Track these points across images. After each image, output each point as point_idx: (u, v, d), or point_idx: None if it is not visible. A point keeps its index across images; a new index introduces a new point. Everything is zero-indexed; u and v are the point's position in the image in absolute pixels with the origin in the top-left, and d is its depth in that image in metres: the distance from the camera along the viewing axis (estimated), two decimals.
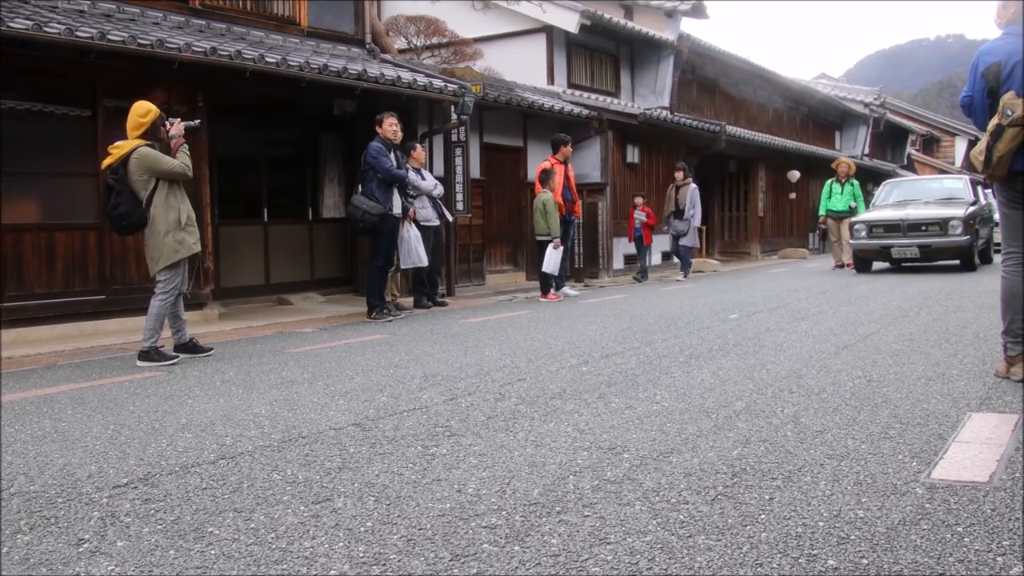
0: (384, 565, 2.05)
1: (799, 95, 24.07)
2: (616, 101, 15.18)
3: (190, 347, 5.79)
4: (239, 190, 10.54)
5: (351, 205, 7.94)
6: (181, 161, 5.63)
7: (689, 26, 17.36)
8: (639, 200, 13.07)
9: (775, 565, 1.97)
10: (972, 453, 2.81)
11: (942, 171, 30.75)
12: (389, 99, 9.27)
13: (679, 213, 12.84)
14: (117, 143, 5.64)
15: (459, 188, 10.79)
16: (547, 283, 9.92)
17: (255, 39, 9.33)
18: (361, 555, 2.11)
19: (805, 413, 3.46)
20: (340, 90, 9.23)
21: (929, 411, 3.42)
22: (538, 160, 11.58)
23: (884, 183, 15.25)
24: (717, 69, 19.35)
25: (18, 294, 6.96)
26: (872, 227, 12.04)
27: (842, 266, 13.75)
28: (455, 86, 10.15)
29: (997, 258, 4.42)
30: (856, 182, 14.20)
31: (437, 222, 9.15)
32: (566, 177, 10.28)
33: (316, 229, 11.04)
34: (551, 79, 14.44)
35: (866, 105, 27.94)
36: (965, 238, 11.41)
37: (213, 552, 2.17)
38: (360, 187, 7.93)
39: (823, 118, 26.77)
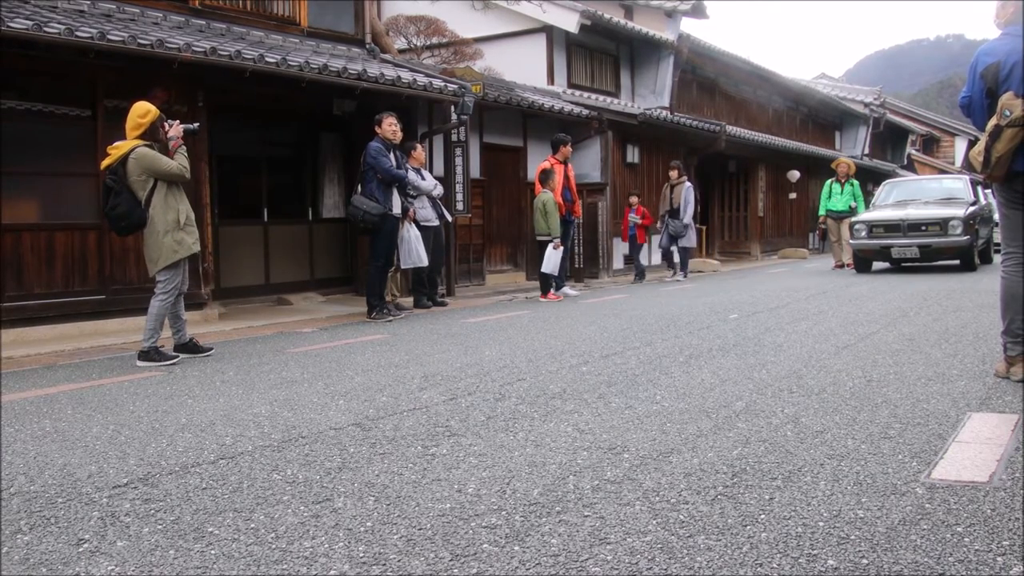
0: (384, 565, 2.05)
1: (799, 95, 24.07)
2: (616, 101, 15.18)
3: (190, 347, 5.79)
4: (239, 190, 10.54)
5: (351, 205, 7.94)
6: (179, 162, 5.64)
7: (689, 26, 17.39)
8: (634, 200, 13.03)
9: (775, 565, 1.97)
10: (972, 453, 2.81)
11: (942, 171, 30.75)
12: (389, 99, 9.27)
13: (675, 213, 12.74)
14: (116, 143, 5.64)
15: (459, 188, 10.79)
16: (547, 283, 9.92)
17: (255, 39, 9.33)
18: (361, 555, 2.11)
19: (805, 413, 3.46)
20: (340, 90, 9.24)
21: (929, 411, 3.42)
22: (538, 160, 11.58)
23: (884, 183, 15.25)
24: (717, 69, 19.35)
25: (18, 294, 6.96)
26: (872, 227, 12.05)
27: (842, 266, 13.75)
28: (455, 86, 10.15)
29: (997, 258, 4.42)
30: (856, 182, 14.20)
31: (437, 222, 9.15)
32: (566, 177, 10.27)
33: (316, 229, 11.04)
34: (551, 79, 14.44)
35: (866, 105, 27.95)
36: (965, 238, 11.41)
37: (213, 552, 2.17)
38: (360, 187, 7.93)
39: (823, 118, 26.77)
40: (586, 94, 14.52)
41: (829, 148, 25.90)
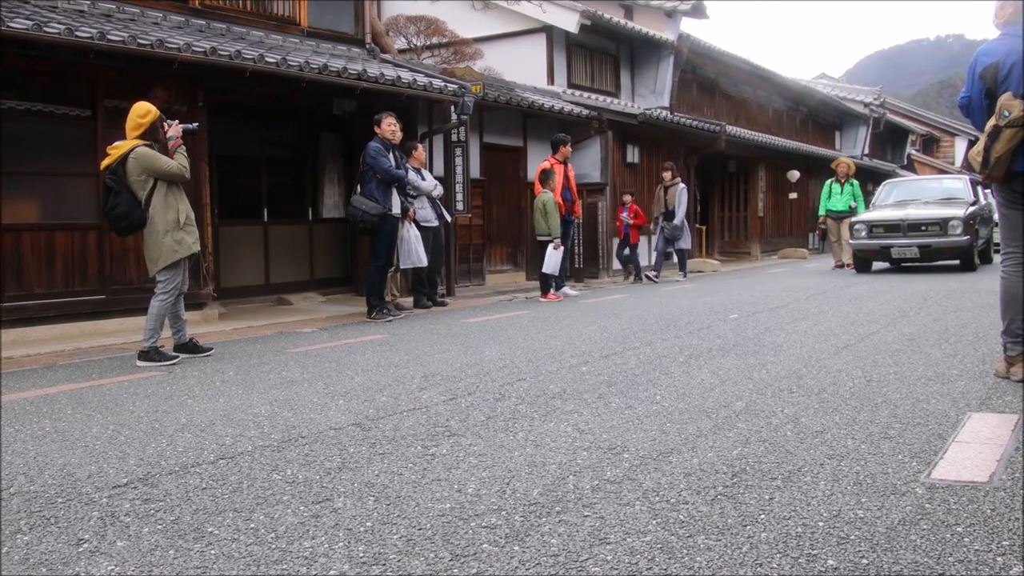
0: (384, 565, 2.05)
1: (799, 95, 24.07)
2: (616, 101, 15.18)
3: (190, 347, 5.79)
4: (239, 190, 10.54)
5: (350, 205, 7.94)
6: (179, 162, 5.64)
7: (689, 26, 17.39)
8: (627, 198, 12.96)
9: (775, 565, 1.97)
10: (972, 453, 2.81)
11: (942, 171, 30.76)
12: (389, 99, 9.27)
13: (669, 215, 12.67)
14: (116, 143, 5.65)
15: (459, 188, 10.79)
16: (547, 283, 9.92)
17: (255, 39, 9.33)
18: (361, 555, 2.11)
19: (805, 413, 3.46)
20: (340, 90, 9.24)
21: (929, 411, 3.42)
22: (538, 160, 11.58)
23: (884, 183, 15.25)
24: (717, 69, 19.35)
25: (18, 294, 6.96)
26: (872, 227, 12.05)
27: (842, 266, 13.75)
28: (455, 86, 10.15)
29: (997, 258, 4.41)
30: (856, 182, 14.20)
31: (436, 223, 9.15)
32: (566, 177, 10.28)
33: (316, 229, 11.04)
34: (551, 79, 14.44)
35: (866, 105, 27.95)
36: (965, 238, 11.41)
37: (213, 552, 2.17)
38: (359, 187, 7.93)
39: (823, 118, 26.78)
40: (586, 94, 14.52)
41: (829, 148, 25.90)
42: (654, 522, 2.26)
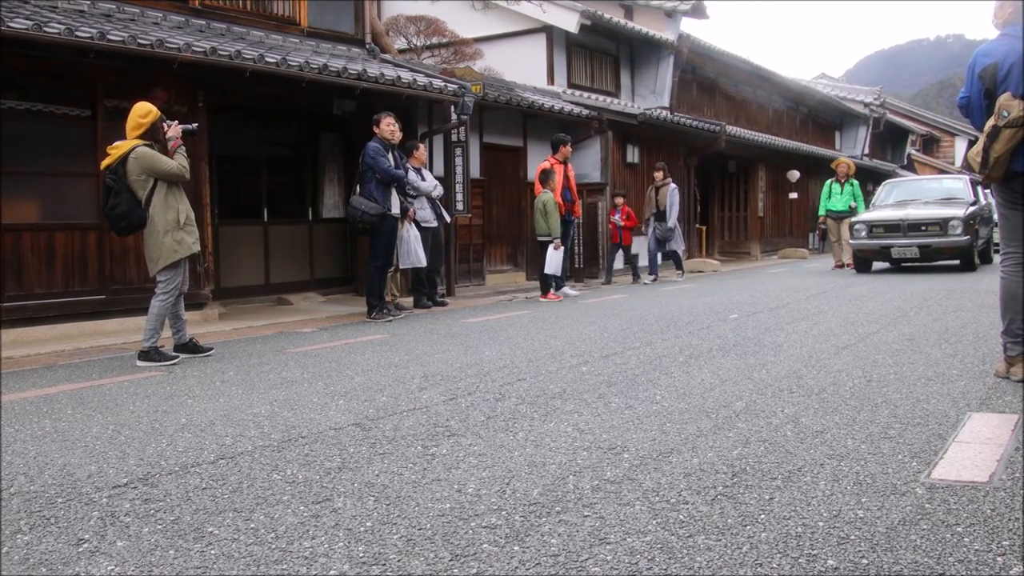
0: (384, 565, 2.05)
1: (799, 95, 24.08)
2: (616, 101, 15.18)
3: (190, 347, 5.79)
4: (239, 190, 10.54)
5: (350, 206, 7.94)
6: (179, 163, 5.64)
7: (689, 26, 17.40)
8: (619, 200, 12.86)
9: (775, 565, 1.97)
10: (972, 453, 2.81)
11: (942, 171, 30.76)
12: (389, 99, 9.27)
13: (661, 215, 12.58)
14: (116, 143, 5.65)
15: (459, 188, 10.79)
16: (547, 283, 9.92)
17: (255, 39, 9.33)
18: (361, 555, 2.11)
19: (805, 413, 3.46)
20: (340, 90, 9.24)
21: (929, 411, 3.42)
22: (538, 160, 11.58)
23: (884, 183, 15.25)
24: (717, 69, 19.36)
25: (18, 294, 6.96)
26: (872, 227, 12.05)
27: (842, 266, 13.75)
28: (455, 86, 10.15)
29: (997, 258, 4.41)
30: (856, 182, 14.20)
31: (435, 223, 9.15)
32: (566, 177, 10.27)
33: (316, 229, 11.04)
34: (551, 79, 14.44)
35: (866, 105, 27.95)
36: (965, 238, 11.41)
37: (213, 552, 2.17)
38: (359, 187, 7.93)
39: (823, 118, 26.78)
40: (586, 94, 14.52)
41: (829, 148, 25.90)
42: (654, 522, 2.26)
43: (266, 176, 10.71)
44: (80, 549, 2.21)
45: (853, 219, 12.78)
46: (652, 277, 12.72)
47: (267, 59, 7.93)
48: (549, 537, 2.18)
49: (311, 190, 11.14)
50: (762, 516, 2.28)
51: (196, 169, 7.12)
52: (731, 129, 17.36)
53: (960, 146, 36.22)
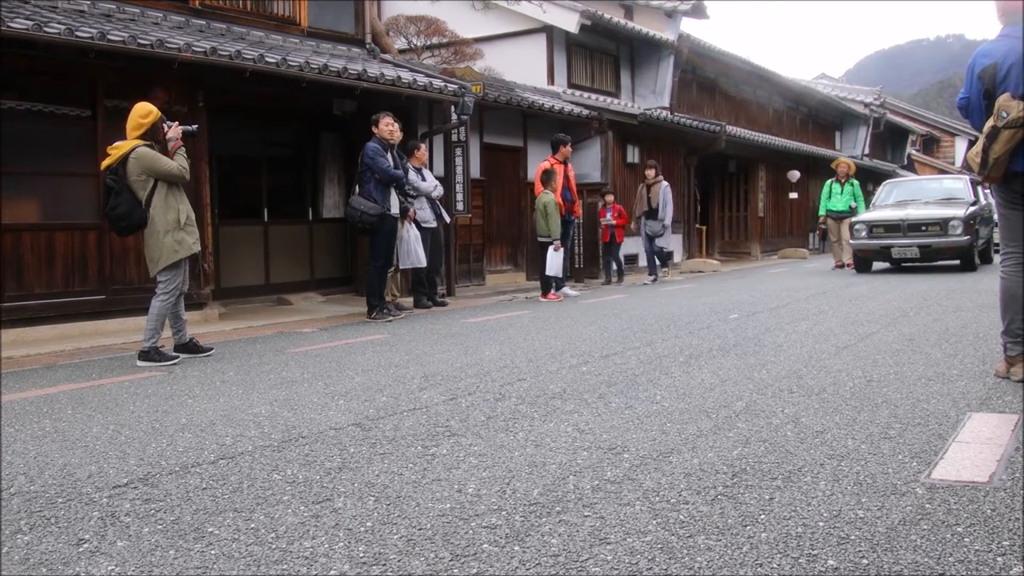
0: (384, 565, 2.05)
1: (799, 95, 24.08)
2: (616, 101, 15.18)
3: (190, 347, 5.79)
4: (239, 190, 10.55)
5: (349, 206, 7.94)
6: (179, 163, 5.64)
7: (689, 26, 17.40)
8: (609, 198, 12.73)
9: (775, 565, 1.97)
10: (972, 453, 2.81)
11: (942, 171, 30.76)
12: (389, 99, 9.27)
13: (652, 213, 12.50)
14: (116, 143, 5.65)
15: (459, 188, 10.79)
16: (547, 283, 9.92)
17: (255, 39, 9.33)
18: (361, 555, 2.11)
19: (805, 413, 3.46)
20: (340, 90, 9.24)
21: (929, 411, 3.42)
22: (538, 160, 11.58)
23: (884, 183, 15.25)
24: (717, 69, 19.36)
25: (18, 294, 6.96)
26: (872, 227, 12.05)
27: (842, 266, 13.75)
28: (455, 86, 10.15)
29: (997, 258, 4.41)
30: (856, 182, 14.19)
31: (435, 223, 9.15)
32: (566, 177, 10.27)
33: (316, 229, 11.04)
34: (551, 79, 14.44)
35: (866, 105, 27.95)
36: (965, 238, 11.41)
37: (213, 552, 2.17)
38: (358, 187, 7.93)
39: (823, 118, 26.78)
40: (586, 94, 14.52)
41: (829, 148, 25.91)
42: (654, 522, 2.26)
43: (266, 176, 10.71)
44: (80, 549, 2.21)
45: (853, 219, 12.78)
46: (652, 277, 12.71)
47: (267, 59, 7.94)
48: (549, 537, 2.18)
49: (311, 190, 11.14)
50: (762, 516, 2.28)
51: (196, 169, 7.12)
52: (731, 129, 17.36)
53: (960, 146, 36.21)
